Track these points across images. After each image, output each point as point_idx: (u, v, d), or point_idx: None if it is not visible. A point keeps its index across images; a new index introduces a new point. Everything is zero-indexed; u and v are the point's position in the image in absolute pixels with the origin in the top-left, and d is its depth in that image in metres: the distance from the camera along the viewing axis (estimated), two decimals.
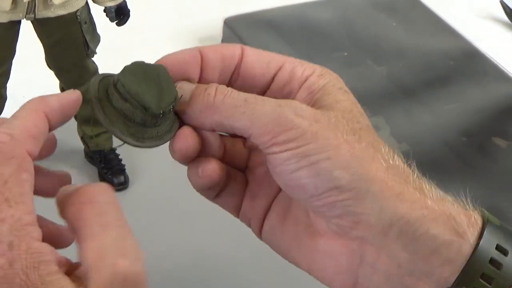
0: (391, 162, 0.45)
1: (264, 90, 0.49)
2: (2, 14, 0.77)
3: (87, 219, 0.40)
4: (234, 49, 0.49)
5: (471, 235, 0.44)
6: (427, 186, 0.46)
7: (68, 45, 0.84)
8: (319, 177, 0.44)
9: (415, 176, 0.46)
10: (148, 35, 1.16)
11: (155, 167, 0.90)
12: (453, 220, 0.44)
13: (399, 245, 0.44)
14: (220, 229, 0.81)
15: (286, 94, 0.48)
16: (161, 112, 0.45)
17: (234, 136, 0.49)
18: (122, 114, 0.45)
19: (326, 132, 0.44)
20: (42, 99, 0.43)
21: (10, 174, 0.39)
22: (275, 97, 0.47)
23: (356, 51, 1.14)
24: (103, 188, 0.41)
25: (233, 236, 0.81)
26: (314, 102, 0.47)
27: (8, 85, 0.87)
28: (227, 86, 0.48)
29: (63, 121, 0.44)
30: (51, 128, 0.43)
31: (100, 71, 0.89)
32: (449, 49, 1.18)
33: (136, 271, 0.39)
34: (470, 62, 1.15)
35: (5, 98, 0.87)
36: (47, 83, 0.93)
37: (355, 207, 0.44)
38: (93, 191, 0.41)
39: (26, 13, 0.78)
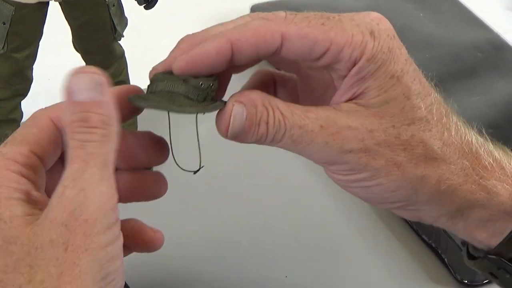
0: (443, 168, 0.46)
1: (307, 69, 0.49)
2: None
3: (67, 152, 0.42)
4: (272, 37, 0.44)
5: None
6: (489, 154, 0.48)
7: (96, 27, 0.83)
8: (372, 195, 0.46)
9: (474, 149, 0.47)
10: (175, 20, 1.16)
11: (176, 150, 0.89)
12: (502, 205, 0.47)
13: (448, 224, 0.48)
14: (242, 214, 0.81)
15: (331, 74, 0.47)
16: (200, 83, 0.44)
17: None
18: (166, 94, 0.45)
19: (376, 161, 0.45)
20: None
21: (23, 127, 0.44)
22: (320, 78, 0.47)
23: None
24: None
25: (256, 219, 0.81)
26: (360, 93, 0.45)
27: (34, 67, 0.86)
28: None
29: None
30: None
31: (127, 55, 0.89)
32: (477, 41, 1.17)
33: (82, 199, 0.39)
34: (498, 54, 1.14)
35: (31, 80, 0.87)
36: (73, 65, 0.93)
37: (409, 207, 0.47)
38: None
39: None
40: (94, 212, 0.39)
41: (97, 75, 0.42)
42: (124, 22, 0.86)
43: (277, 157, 0.86)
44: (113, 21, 0.83)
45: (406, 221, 0.80)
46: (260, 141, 0.45)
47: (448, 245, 0.75)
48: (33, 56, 0.84)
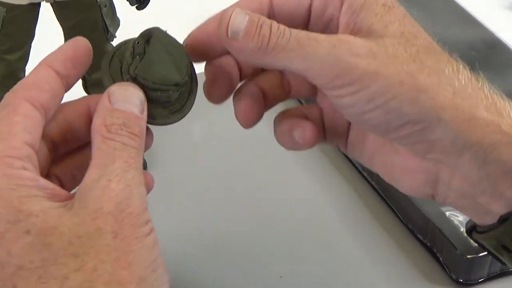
0: (456, 85, 0.44)
1: (305, 23, 0.48)
2: None
3: (103, 151, 0.41)
4: None
5: None
6: (501, 101, 0.45)
7: (88, 28, 0.83)
8: (389, 115, 0.44)
9: (486, 91, 0.45)
10: (168, 21, 1.15)
11: (172, 150, 0.89)
12: None
13: (471, 167, 0.45)
14: (237, 214, 0.81)
15: (326, 21, 0.47)
16: (186, 79, 0.45)
17: None
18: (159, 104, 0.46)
19: (386, 69, 0.43)
20: (46, 56, 0.45)
21: (2, 117, 0.41)
22: (317, 30, 0.47)
23: None
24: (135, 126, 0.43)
25: (251, 219, 0.80)
26: (358, 26, 0.45)
27: (26, 68, 0.86)
28: None
29: (75, 70, 0.45)
30: (65, 79, 0.44)
31: None
32: (472, 40, 1.16)
33: (126, 195, 0.40)
34: (493, 53, 1.14)
35: None
36: None
37: (428, 135, 0.44)
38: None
39: None
40: (138, 207, 0.40)
41: (142, 94, 0.43)
42: (116, 23, 0.85)
43: (273, 156, 0.86)
44: (105, 22, 0.83)
45: (401, 220, 0.80)
46: (262, 46, 0.44)
47: (443, 244, 0.75)
48: (25, 58, 0.84)
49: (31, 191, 0.39)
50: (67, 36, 0.85)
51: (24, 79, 0.44)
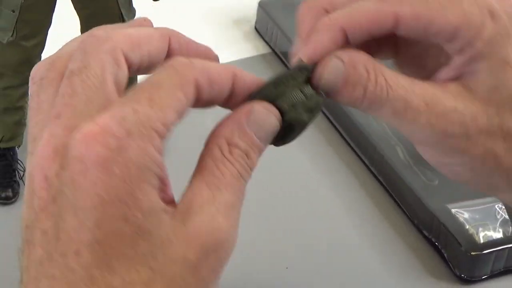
0: None
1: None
2: None
3: (220, 170, 0.38)
4: (385, 19, 0.41)
5: None
6: None
7: (104, 17, 0.84)
8: (461, 178, 0.43)
9: None
10: (183, 13, 1.16)
11: (183, 142, 0.90)
12: None
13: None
14: (243, 207, 0.82)
15: (426, 46, 0.44)
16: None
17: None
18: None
19: (475, 148, 0.41)
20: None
21: (170, 85, 0.35)
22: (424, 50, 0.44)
23: None
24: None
25: (257, 211, 0.81)
26: (469, 72, 0.42)
27: (42, 55, 0.87)
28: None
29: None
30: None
31: None
32: None
33: (228, 236, 0.37)
34: None
35: None
36: None
37: (492, 192, 0.44)
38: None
39: None
40: (226, 258, 0.38)
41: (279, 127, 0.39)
42: (132, 13, 0.86)
43: (280, 149, 0.87)
44: (121, 12, 0.84)
45: (407, 215, 0.81)
46: (354, 104, 0.41)
47: (447, 240, 0.75)
48: (41, 45, 0.85)
49: (153, 179, 0.33)
50: (83, 25, 0.86)
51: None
